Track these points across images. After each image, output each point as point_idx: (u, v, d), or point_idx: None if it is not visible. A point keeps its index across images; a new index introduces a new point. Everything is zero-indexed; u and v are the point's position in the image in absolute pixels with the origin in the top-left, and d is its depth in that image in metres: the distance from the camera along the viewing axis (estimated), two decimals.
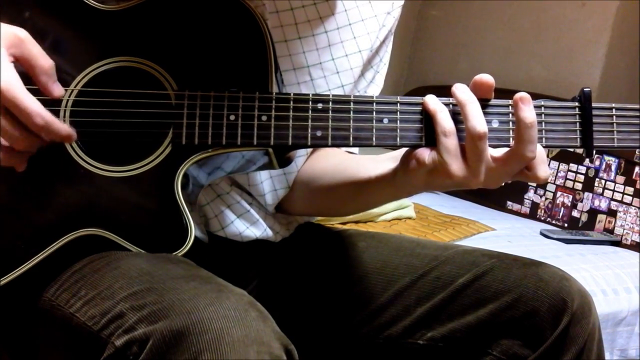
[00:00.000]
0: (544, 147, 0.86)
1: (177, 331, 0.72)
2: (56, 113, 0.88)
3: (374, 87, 1.12)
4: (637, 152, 2.55)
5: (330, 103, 0.88)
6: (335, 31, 1.03)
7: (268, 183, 1.04)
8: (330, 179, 1.04)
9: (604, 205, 2.69)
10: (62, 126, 0.83)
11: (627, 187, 2.64)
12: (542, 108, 0.87)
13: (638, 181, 2.61)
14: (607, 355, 1.53)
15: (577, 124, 0.87)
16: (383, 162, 0.95)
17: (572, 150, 0.87)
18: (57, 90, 0.84)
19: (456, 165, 0.83)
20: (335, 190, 1.03)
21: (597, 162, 2.71)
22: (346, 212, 1.08)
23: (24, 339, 0.93)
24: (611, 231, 2.65)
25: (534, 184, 2.81)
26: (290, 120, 0.87)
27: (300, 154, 1.04)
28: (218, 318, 0.72)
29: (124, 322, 0.77)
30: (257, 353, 0.71)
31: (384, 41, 1.10)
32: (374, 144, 0.88)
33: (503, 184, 0.87)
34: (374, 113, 0.88)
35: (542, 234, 2.60)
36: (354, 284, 1.05)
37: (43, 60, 0.82)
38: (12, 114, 0.79)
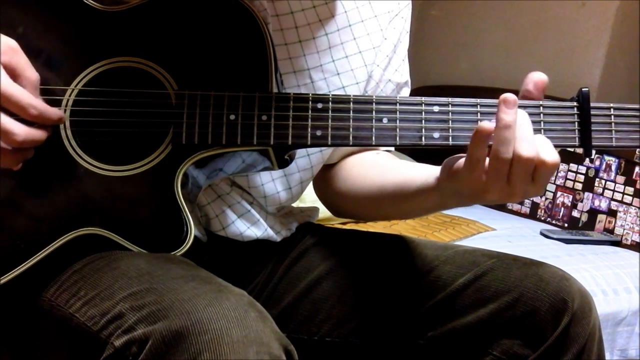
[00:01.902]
0: None
1: (176, 331, 0.72)
2: None
3: (406, 89, 1.14)
4: (637, 152, 2.55)
5: (330, 103, 0.88)
6: (336, 33, 1.03)
7: (270, 186, 1.04)
8: (373, 187, 1.05)
9: (604, 205, 2.69)
10: (53, 111, 0.85)
11: (627, 187, 2.63)
12: (541, 108, 0.87)
13: (638, 181, 2.61)
14: (607, 355, 1.53)
15: (576, 123, 0.87)
16: (428, 170, 0.95)
17: (572, 150, 0.87)
18: None
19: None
20: (381, 199, 1.04)
21: (597, 162, 2.71)
22: (389, 218, 1.10)
23: (24, 339, 0.93)
24: (611, 231, 2.65)
25: None
26: (290, 120, 0.88)
27: (302, 155, 1.04)
28: (217, 318, 0.72)
29: (123, 322, 0.77)
30: (257, 353, 0.71)
31: (400, 42, 1.11)
32: (373, 143, 0.88)
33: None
34: (374, 113, 0.88)
35: (542, 234, 2.60)
36: (355, 284, 1.05)
37: (30, 72, 0.83)
38: (6, 111, 0.81)
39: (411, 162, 1.06)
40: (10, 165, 0.84)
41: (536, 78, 0.87)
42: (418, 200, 0.97)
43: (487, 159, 0.83)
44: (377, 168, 1.08)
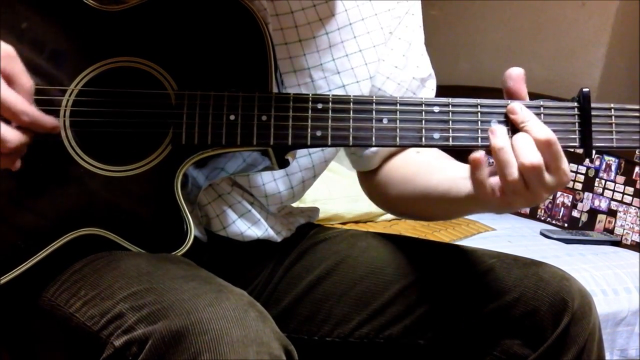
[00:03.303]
0: None
1: (176, 331, 0.72)
2: (56, 113, 0.88)
3: (430, 81, 1.13)
4: (637, 152, 2.55)
5: (330, 103, 0.88)
6: (336, 32, 1.03)
7: (271, 185, 1.04)
8: (418, 192, 1.04)
9: (604, 205, 2.69)
10: (47, 119, 0.84)
11: (627, 187, 2.63)
12: (542, 108, 0.87)
13: (638, 181, 2.61)
14: (607, 355, 1.53)
15: (576, 124, 0.87)
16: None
17: (571, 150, 0.87)
18: None
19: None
20: (428, 203, 1.03)
21: (597, 162, 2.71)
22: (434, 219, 1.08)
23: (23, 339, 0.93)
24: (611, 231, 2.65)
25: None
26: (290, 120, 0.88)
27: (303, 154, 1.04)
28: (217, 318, 0.72)
29: (123, 322, 0.77)
30: (257, 353, 0.71)
31: (415, 38, 1.11)
32: (373, 143, 0.88)
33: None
34: (374, 113, 0.88)
35: (542, 234, 2.60)
36: (355, 284, 1.05)
37: (25, 79, 0.83)
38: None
39: (456, 162, 1.03)
40: (8, 167, 0.84)
41: (514, 74, 0.87)
42: (463, 206, 0.96)
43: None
44: (421, 171, 1.05)
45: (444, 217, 1.09)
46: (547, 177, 0.82)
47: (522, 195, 0.83)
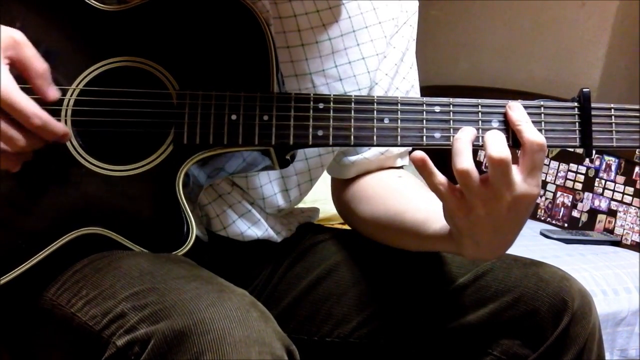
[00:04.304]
0: None
1: (178, 331, 0.72)
2: (58, 112, 0.88)
3: (413, 94, 1.11)
4: (637, 152, 2.56)
5: (332, 103, 0.88)
6: (339, 38, 1.02)
7: (267, 187, 1.04)
8: (391, 217, 1.01)
9: (604, 205, 2.69)
10: (58, 125, 0.83)
11: (627, 187, 2.64)
12: (542, 108, 0.87)
13: (638, 181, 2.61)
14: (607, 355, 1.53)
15: (577, 124, 0.87)
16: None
17: (572, 150, 0.87)
18: (52, 93, 0.83)
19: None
20: (396, 231, 1.01)
21: (597, 162, 2.71)
22: (400, 247, 1.04)
23: (24, 339, 0.93)
24: (611, 231, 2.65)
25: None
26: (292, 120, 0.88)
27: (299, 159, 1.04)
28: (220, 318, 0.72)
29: (125, 322, 0.77)
30: (259, 353, 0.71)
31: (407, 49, 1.09)
32: (374, 143, 0.88)
33: None
34: (375, 113, 0.88)
35: (542, 234, 2.60)
36: (355, 284, 1.05)
37: (38, 63, 0.82)
38: (9, 116, 0.79)
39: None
40: (9, 168, 0.84)
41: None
42: (435, 241, 0.93)
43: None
44: (397, 194, 1.04)
45: (413, 249, 1.02)
46: (519, 181, 0.80)
47: (480, 195, 0.80)
